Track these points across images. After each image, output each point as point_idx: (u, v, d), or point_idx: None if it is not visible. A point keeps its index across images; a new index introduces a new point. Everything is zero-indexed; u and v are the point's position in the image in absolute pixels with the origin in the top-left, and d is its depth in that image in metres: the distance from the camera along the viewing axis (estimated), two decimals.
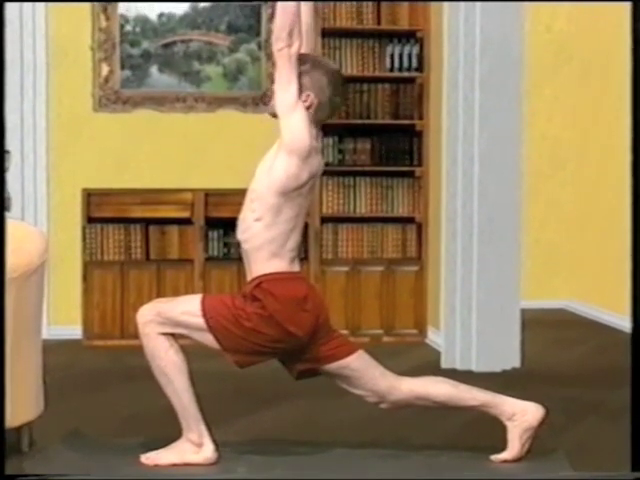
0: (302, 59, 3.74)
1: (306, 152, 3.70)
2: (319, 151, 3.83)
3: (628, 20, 7.40)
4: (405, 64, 6.73)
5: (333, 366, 3.84)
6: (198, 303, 3.79)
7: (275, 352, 3.82)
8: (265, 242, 3.73)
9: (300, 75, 3.71)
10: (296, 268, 3.81)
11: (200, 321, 3.76)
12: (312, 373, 3.91)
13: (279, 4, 3.70)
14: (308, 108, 3.73)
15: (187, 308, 3.79)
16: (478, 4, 5.66)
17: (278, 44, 3.66)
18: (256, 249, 3.75)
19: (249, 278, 3.79)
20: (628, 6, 7.29)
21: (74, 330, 6.55)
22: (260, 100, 6.80)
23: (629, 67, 7.81)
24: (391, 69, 6.75)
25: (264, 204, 3.72)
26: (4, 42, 3.20)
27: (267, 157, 3.77)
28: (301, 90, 3.71)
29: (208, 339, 3.78)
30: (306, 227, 6.52)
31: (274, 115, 3.76)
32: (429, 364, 5.84)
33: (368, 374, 3.87)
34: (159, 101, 6.84)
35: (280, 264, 3.74)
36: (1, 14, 3.20)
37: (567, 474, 3.61)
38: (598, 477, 3.60)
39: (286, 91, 3.69)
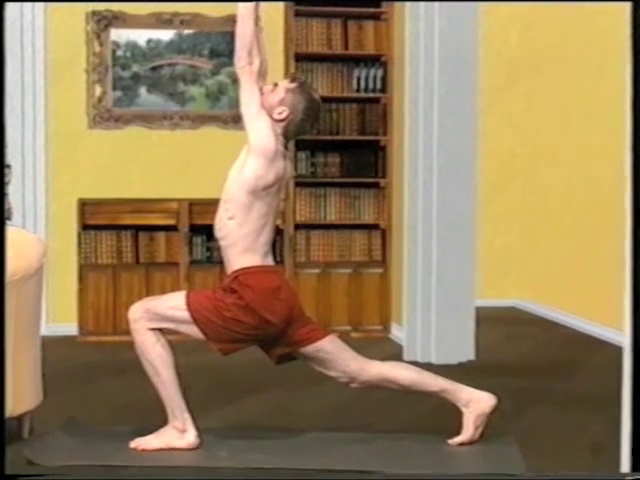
0: (295, 79, 3.87)
1: (272, 153, 3.73)
2: (286, 157, 3.84)
3: (572, 45, 7.46)
4: (370, 85, 6.74)
5: (310, 349, 3.84)
6: (183, 298, 3.80)
7: (254, 339, 3.82)
8: (239, 238, 3.74)
9: (287, 90, 3.79)
10: (269, 262, 3.82)
11: (185, 314, 3.76)
12: (290, 357, 3.92)
13: (237, 28, 3.77)
14: (281, 120, 3.77)
15: (173, 303, 3.79)
16: (437, 33, 5.67)
17: (240, 63, 3.77)
18: (231, 245, 3.77)
19: (228, 272, 3.81)
20: (571, 30, 7.36)
21: (70, 327, 6.51)
22: (239, 118, 6.77)
23: (573, 88, 7.84)
24: (358, 90, 6.75)
25: (236, 203, 3.74)
26: (4, 42, 3.08)
27: (237, 162, 3.81)
28: (283, 103, 3.77)
29: (193, 330, 3.77)
30: (281, 233, 6.57)
31: None
32: (393, 357, 5.81)
33: (341, 356, 3.88)
34: (148, 119, 6.82)
35: (254, 258, 3.75)
36: (1, 14, 3.07)
37: (568, 474, 3.57)
38: (599, 477, 3.54)
39: (250, 103, 3.77)
